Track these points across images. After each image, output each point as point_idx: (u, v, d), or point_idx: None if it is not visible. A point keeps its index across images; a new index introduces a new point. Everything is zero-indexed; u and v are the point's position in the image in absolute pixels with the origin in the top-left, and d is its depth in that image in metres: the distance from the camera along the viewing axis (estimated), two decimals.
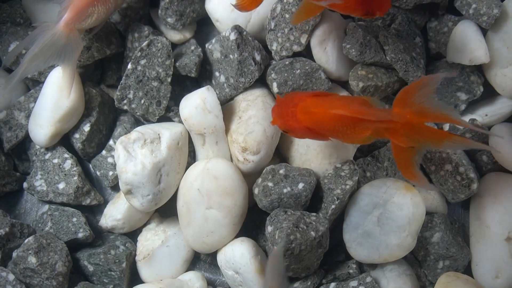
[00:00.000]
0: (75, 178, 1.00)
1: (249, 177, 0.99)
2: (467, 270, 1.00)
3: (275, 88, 0.97)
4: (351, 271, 0.97)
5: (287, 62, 0.99)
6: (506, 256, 0.98)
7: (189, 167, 0.98)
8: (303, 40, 0.99)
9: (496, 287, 0.98)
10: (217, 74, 1.02)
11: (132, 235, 1.03)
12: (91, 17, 0.93)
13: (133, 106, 1.00)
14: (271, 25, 1.00)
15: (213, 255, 1.01)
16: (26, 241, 0.95)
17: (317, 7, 0.88)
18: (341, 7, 0.82)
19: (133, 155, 0.95)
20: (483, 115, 1.03)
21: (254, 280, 0.93)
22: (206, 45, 1.04)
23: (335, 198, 0.95)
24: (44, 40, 0.90)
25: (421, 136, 0.81)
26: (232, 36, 0.98)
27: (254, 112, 0.97)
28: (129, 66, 0.99)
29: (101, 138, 1.04)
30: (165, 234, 1.01)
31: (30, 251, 0.93)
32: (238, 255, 0.94)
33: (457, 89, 1.02)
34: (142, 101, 0.99)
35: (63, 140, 1.03)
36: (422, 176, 0.85)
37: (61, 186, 1.00)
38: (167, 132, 0.97)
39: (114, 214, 1.00)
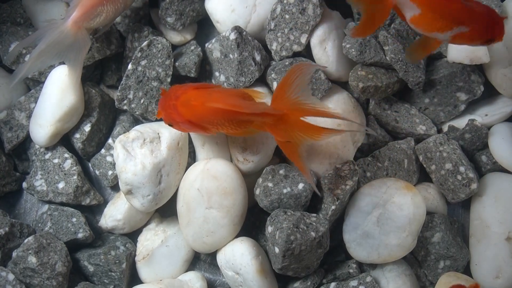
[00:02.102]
0: (75, 177, 1.00)
1: (249, 177, 0.99)
2: (466, 270, 1.00)
3: (275, 85, 0.97)
4: (351, 270, 0.97)
5: (287, 63, 0.99)
6: (506, 256, 0.98)
7: (189, 167, 0.98)
8: (303, 40, 0.99)
9: (496, 287, 0.98)
10: (217, 74, 1.02)
11: (132, 235, 1.03)
12: (99, 16, 0.93)
13: (132, 106, 1.00)
14: (271, 25, 1.00)
15: (213, 255, 1.01)
16: (26, 241, 0.95)
17: (436, 41, 0.87)
18: (467, 36, 0.82)
19: (133, 154, 0.95)
20: (483, 115, 1.03)
21: (254, 281, 0.93)
22: (206, 45, 1.04)
23: (335, 198, 0.95)
24: (52, 38, 0.90)
25: (298, 131, 0.84)
26: (232, 36, 0.98)
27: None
28: (130, 66, 0.99)
29: (101, 138, 1.04)
30: (165, 234, 1.01)
31: (30, 251, 0.93)
32: (238, 255, 0.94)
33: (457, 89, 1.02)
34: (142, 101, 0.99)
35: (63, 140, 1.03)
36: (308, 172, 0.87)
37: (61, 185, 1.00)
38: (167, 131, 0.97)
39: (114, 214, 1.00)
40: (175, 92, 0.86)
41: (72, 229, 0.99)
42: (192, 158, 1.02)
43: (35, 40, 0.92)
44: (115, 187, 1.04)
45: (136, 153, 0.95)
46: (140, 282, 1.01)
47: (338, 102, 1.01)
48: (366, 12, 0.83)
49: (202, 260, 1.04)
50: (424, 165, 1.01)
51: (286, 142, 0.85)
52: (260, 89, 0.99)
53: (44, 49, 0.90)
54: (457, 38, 0.83)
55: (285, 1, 0.99)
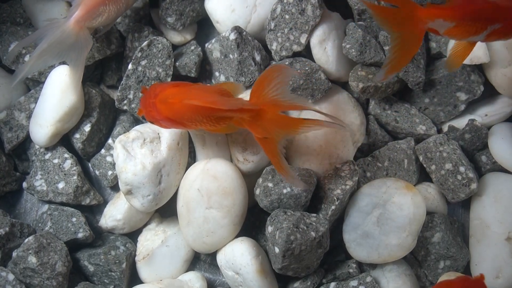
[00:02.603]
0: (75, 177, 1.00)
1: (249, 177, 0.99)
2: (466, 270, 1.00)
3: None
4: (351, 270, 0.97)
5: (287, 63, 0.99)
6: (506, 256, 0.98)
7: (189, 167, 0.98)
8: (303, 40, 0.99)
9: (496, 287, 0.98)
10: (217, 74, 1.02)
11: (132, 235, 1.03)
12: (101, 16, 0.93)
13: (132, 106, 1.00)
14: (271, 25, 1.00)
15: (213, 255, 1.01)
16: (26, 240, 0.95)
17: (472, 44, 0.87)
18: (501, 32, 0.82)
19: (133, 154, 0.95)
20: (483, 115, 1.03)
21: (254, 281, 0.93)
22: (206, 45, 1.04)
23: (335, 198, 0.95)
24: (53, 37, 0.90)
25: (277, 126, 0.84)
26: (232, 36, 0.98)
27: None
28: (130, 66, 0.99)
29: (101, 138, 1.04)
30: (165, 234, 1.01)
31: (30, 251, 0.93)
32: (238, 255, 0.94)
33: (457, 89, 1.02)
34: None
35: (63, 140, 1.03)
36: (290, 170, 0.86)
37: (61, 185, 1.00)
38: (167, 132, 0.97)
39: (114, 214, 1.00)
40: (154, 90, 0.87)
41: (72, 229, 0.99)
42: (192, 158, 1.02)
43: (36, 39, 0.92)
44: (115, 187, 1.04)
45: (136, 153, 0.95)
46: (140, 282, 1.01)
47: (338, 102, 1.01)
48: (398, 42, 0.81)
49: (202, 260, 1.04)
50: (424, 165, 1.01)
51: (264, 138, 0.86)
52: None
53: (45, 48, 0.90)
54: (491, 36, 0.83)
55: (285, 1, 0.99)
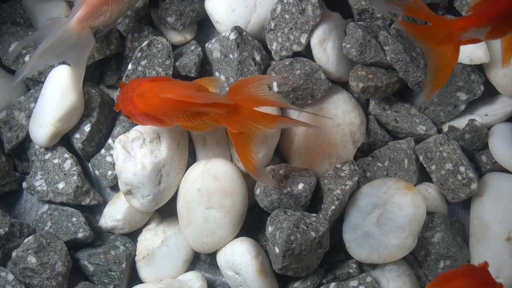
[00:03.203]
0: (75, 177, 1.00)
1: (249, 177, 0.98)
2: None
3: (275, 88, 0.97)
4: (351, 270, 0.97)
5: (287, 63, 0.99)
6: (506, 256, 0.98)
7: (189, 167, 0.98)
8: (303, 40, 0.99)
9: None
10: (217, 74, 1.02)
11: (132, 235, 1.03)
12: (104, 15, 0.93)
13: None
14: (271, 25, 1.00)
15: (213, 255, 1.01)
16: (26, 240, 0.95)
17: None
18: None
19: (132, 154, 0.95)
20: (483, 115, 1.03)
21: (254, 281, 0.93)
22: (206, 45, 1.04)
23: (335, 198, 0.95)
24: (55, 36, 0.90)
25: (252, 121, 0.84)
26: (232, 36, 0.98)
27: None
28: (130, 66, 0.99)
29: (101, 138, 1.04)
30: (165, 234, 1.01)
31: (30, 251, 0.93)
32: (238, 255, 0.94)
33: (457, 89, 1.02)
34: None
35: (62, 140, 1.03)
36: (261, 168, 0.87)
37: (61, 185, 1.00)
38: (167, 132, 0.97)
39: (114, 214, 1.00)
40: (131, 84, 0.87)
41: (72, 229, 0.99)
42: (192, 158, 1.02)
43: (38, 39, 0.92)
44: (115, 187, 1.04)
45: (136, 153, 0.95)
46: (140, 282, 1.01)
47: (338, 102, 1.01)
48: (435, 59, 0.80)
49: (202, 260, 1.04)
50: (424, 165, 1.01)
51: (239, 134, 0.86)
52: None
53: (47, 47, 0.90)
54: None
55: (285, 1, 0.99)
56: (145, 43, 0.99)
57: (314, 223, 0.93)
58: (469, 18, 0.79)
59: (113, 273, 0.98)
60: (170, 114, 0.85)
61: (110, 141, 1.03)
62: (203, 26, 1.08)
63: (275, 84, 0.97)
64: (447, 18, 0.80)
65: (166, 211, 1.03)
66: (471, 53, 0.99)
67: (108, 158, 1.03)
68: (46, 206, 1.01)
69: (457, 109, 1.03)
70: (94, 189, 1.04)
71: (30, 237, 0.95)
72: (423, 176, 1.03)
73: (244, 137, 0.87)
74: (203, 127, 0.89)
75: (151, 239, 1.01)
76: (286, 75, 0.97)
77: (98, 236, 1.02)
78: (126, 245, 1.00)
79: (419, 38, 0.79)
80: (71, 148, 1.03)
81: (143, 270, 1.00)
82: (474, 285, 0.79)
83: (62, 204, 1.01)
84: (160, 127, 0.93)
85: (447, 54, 0.80)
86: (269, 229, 0.93)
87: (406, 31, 0.79)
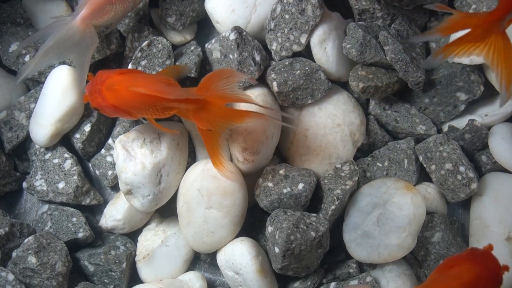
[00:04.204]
0: (75, 177, 1.00)
1: (249, 177, 0.99)
2: None
3: (275, 88, 0.98)
4: (351, 270, 0.97)
5: (287, 63, 0.99)
6: (506, 256, 0.98)
7: (189, 167, 0.98)
8: (303, 40, 0.99)
9: None
10: None
11: (132, 235, 1.03)
12: (108, 14, 0.93)
13: None
14: (271, 25, 1.00)
15: (213, 255, 1.01)
16: (26, 240, 0.95)
17: None
18: None
19: (133, 154, 0.95)
20: (483, 115, 1.03)
21: (254, 281, 0.93)
22: (206, 45, 1.04)
23: (335, 198, 0.95)
24: (60, 35, 0.90)
25: (221, 118, 0.85)
26: (232, 36, 0.98)
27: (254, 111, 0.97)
28: (130, 66, 0.99)
29: (101, 138, 1.04)
30: (165, 234, 1.01)
31: (30, 251, 0.93)
32: (238, 255, 0.94)
33: (457, 89, 1.02)
34: None
35: (63, 140, 1.03)
36: (228, 165, 0.87)
37: (61, 185, 1.00)
38: (167, 132, 0.97)
39: (114, 214, 1.00)
40: (101, 76, 0.86)
41: (72, 229, 0.99)
42: (192, 158, 1.02)
43: (42, 37, 0.92)
44: (115, 187, 1.04)
45: (136, 153, 0.95)
46: (140, 282, 1.01)
47: (338, 102, 1.02)
48: (493, 57, 0.82)
49: (202, 260, 1.04)
50: (424, 165, 1.01)
51: (208, 130, 0.86)
52: (259, 89, 0.99)
53: (51, 46, 0.90)
54: None
55: (285, 1, 0.99)
56: (145, 43, 0.99)
57: (314, 223, 0.93)
58: (500, 4, 0.80)
59: (113, 273, 0.98)
60: (139, 108, 0.85)
61: (110, 141, 1.03)
62: (203, 26, 1.08)
63: (275, 84, 0.97)
64: (478, 13, 0.81)
65: (166, 211, 1.03)
66: (471, 53, 0.99)
67: (109, 158, 1.03)
68: (46, 206, 1.01)
69: (457, 109, 1.03)
70: (95, 189, 1.04)
71: (30, 237, 0.95)
72: (423, 176, 1.03)
73: (213, 134, 0.87)
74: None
75: (151, 239, 1.01)
76: (286, 75, 0.97)
77: (98, 236, 1.02)
78: (126, 245, 1.00)
79: (471, 45, 0.81)
80: (71, 148, 1.03)
81: (143, 270, 1.00)
82: (477, 270, 0.77)
83: (62, 204, 1.01)
84: (127, 118, 0.92)
85: (500, 46, 0.81)
86: (269, 229, 0.93)
87: (459, 52, 0.81)
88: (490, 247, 0.80)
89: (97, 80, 0.86)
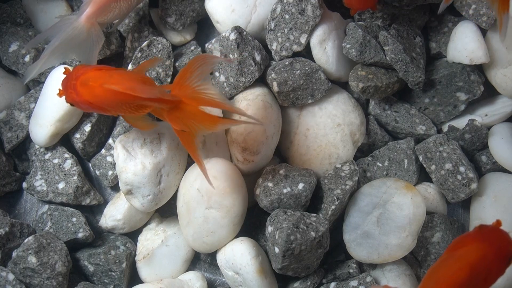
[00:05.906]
0: (75, 177, 1.00)
1: (249, 177, 0.99)
2: None
3: (275, 87, 0.98)
4: (351, 270, 0.97)
5: (287, 63, 0.99)
6: None
7: (189, 167, 0.98)
8: (303, 40, 0.99)
9: (496, 287, 0.98)
10: (216, 74, 1.01)
11: (132, 235, 1.03)
12: (113, 12, 0.93)
13: None
14: (271, 25, 1.00)
15: (213, 255, 1.01)
16: (26, 240, 0.95)
17: None
18: None
19: (133, 154, 0.95)
20: (483, 115, 1.03)
21: (254, 281, 0.93)
22: (206, 45, 1.04)
23: (335, 198, 0.95)
24: (65, 33, 0.90)
25: (195, 120, 0.83)
26: (232, 36, 0.98)
27: (254, 111, 0.97)
28: (130, 67, 0.99)
29: (101, 138, 1.04)
30: (165, 234, 1.01)
31: (30, 251, 0.93)
32: (238, 255, 0.94)
33: (457, 89, 1.02)
34: None
35: (63, 140, 1.03)
36: (203, 163, 0.86)
37: (61, 186, 1.00)
38: (167, 132, 0.97)
39: (114, 214, 1.00)
40: (76, 72, 0.85)
41: (72, 229, 0.99)
42: (192, 158, 1.02)
43: (48, 37, 0.92)
44: (115, 187, 1.04)
45: (136, 153, 0.95)
46: (140, 282, 1.01)
47: (338, 102, 1.02)
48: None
49: (202, 260, 1.04)
50: (424, 165, 1.01)
51: (182, 131, 0.85)
52: (259, 89, 0.99)
53: (57, 45, 0.90)
54: None
55: (285, 1, 0.99)
56: (145, 43, 0.99)
57: (314, 223, 0.93)
58: None
59: (113, 273, 0.98)
60: (113, 105, 0.84)
61: (110, 141, 1.03)
62: (203, 26, 1.08)
63: (275, 84, 0.97)
64: None
65: (166, 211, 1.03)
66: (471, 53, 0.99)
67: (109, 158, 1.03)
68: (46, 206, 1.01)
69: (457, 109, 1.03)
70: (95, 189, 1.04)
71: (30, 237, 0.95)
72: (423, 176, 1.03)
73: (188, 135, 0.85)
74: (144, 127, 0.90)
75: (151, 239, 1.01)
76: (286, 75, 0.97)
77: (98, 236, 1.02)
78: (126, 245, 1.00)
79: None
80: (71, 148, 1.03)
81: (143, 270, 1.00)
82: (484, 249, 0.75)
83: (62, 204, 1.01)
84: (104, 114, 0.92)
85: None
86: (269, 229, 0.93)
87: None
88: (498, 223, 0.78)
89: (72, 75, 0.85)
